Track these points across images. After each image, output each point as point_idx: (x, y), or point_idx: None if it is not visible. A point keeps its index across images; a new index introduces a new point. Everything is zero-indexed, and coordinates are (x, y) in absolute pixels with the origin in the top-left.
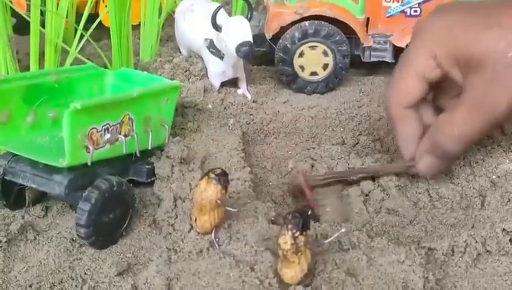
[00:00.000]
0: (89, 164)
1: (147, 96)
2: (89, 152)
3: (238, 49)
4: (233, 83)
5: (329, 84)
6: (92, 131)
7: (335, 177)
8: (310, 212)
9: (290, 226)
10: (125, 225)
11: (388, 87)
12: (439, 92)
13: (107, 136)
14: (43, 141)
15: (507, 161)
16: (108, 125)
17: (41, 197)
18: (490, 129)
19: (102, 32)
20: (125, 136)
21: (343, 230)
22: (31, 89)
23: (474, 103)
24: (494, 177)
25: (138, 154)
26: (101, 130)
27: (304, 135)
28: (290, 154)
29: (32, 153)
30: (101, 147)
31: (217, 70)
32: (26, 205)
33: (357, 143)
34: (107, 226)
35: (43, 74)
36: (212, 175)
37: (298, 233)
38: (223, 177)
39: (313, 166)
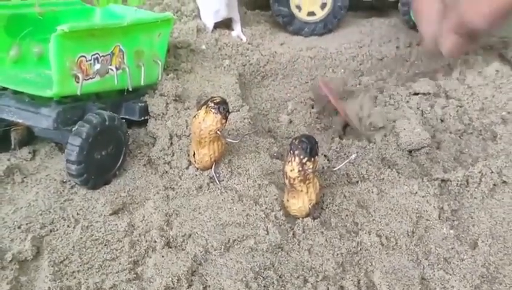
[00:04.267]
0: (79, 94)
1: (138, 27)
2: (78, 82)
3: None
4: (227, 25)
5: (328, 25)
6: (81, 59)
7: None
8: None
9: (297, 152)
10: (119, 163)
11: None
12: None
13: (97, 66)
14: (29, 76)
15: None
16: (98, 55)
17: (28, 140)
18: None
19: None
20: (117, 68)
21: (353, 156)
22: (13, 19)
23: None
24: (504, 113)
25: (130, 89)
26: (91, 59)
27: (303, 77)
28: (288, 97)
29: (18, 85)
30: (91, 78)
31: (210, 9)
32: (12, 147)
33: (359, 84)
34: (100, 164)
35: (27, 4)
36: (211, 104)
37: (306, 159)
38: (223, 106)
39: (313, 107)
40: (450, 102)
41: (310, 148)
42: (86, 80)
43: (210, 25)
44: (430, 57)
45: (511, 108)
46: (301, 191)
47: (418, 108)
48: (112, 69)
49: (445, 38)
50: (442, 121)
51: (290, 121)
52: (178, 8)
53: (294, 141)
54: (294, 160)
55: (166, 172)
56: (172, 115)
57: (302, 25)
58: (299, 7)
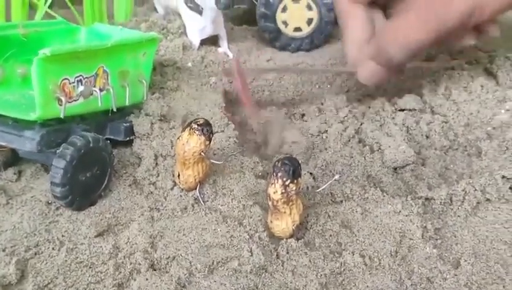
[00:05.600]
0: (62, 116)
1: (123, 48)
2: (61, 104)
3: (217, 0)
4: (213, 41)
5: (315, 41)
6: (64, 82)
7: (274, 69)
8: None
9: (280, 174)
10: (104, 184)
11: None
12: None
13: (81, 88)
14: (13, 98)
15: (502, 111)
16: (81, 77)
17: (13, 160)
18: (437, 40)
19: None
20: (101, 90)
21: (336, 177)
22: None
23: (425, 10)
24: (489, 128)
25: (115, 110)
26: (74, 82)
27: (289, 93)
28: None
29: (1, 108)
30: (75, 100)
31: (196, 26)
32: None
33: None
34: (84, 186)
35: (10, 26)
36: (195, 125)
37: (289, 181)
38: (206, 128)
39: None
40: (436, 118)
41: (293, 170)
42: (69, 102)
43: (196, 43)
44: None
45: (497, 123)
46: (284, 212)
47: (403, 124)
48: (95, 91)
49: (364, 64)
50: (427, 137)
51: None
52: (164, 25)
53: (277, 163)
54: (277, 182)
55: (152, 193)
56: (157, 135)
57: (288, 41)
58: (285, 23)
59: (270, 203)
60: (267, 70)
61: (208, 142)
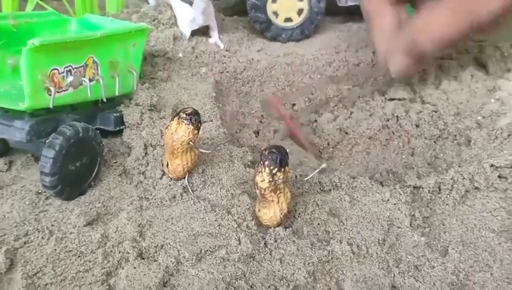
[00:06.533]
0: (51, 106)
1: (112, 38)
2: (50, 94)
3: None
4: (204, 32)
5: (305, 31)
6: (53, 72)
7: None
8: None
9: (267, 162)
10: (94, 174)
11: None
12: None
13: (70, 78)
14: (3, 89)
15: (492, 100)
16: (70, 67)
17: (4, 151)
18: (471, 32)
19: None
20: (90, 80)
21: (323, 165)
22: None
23: (459, 3)
24: (479, 118)
25: (105, 100)
26: (63, 72)
27: (280, 83)
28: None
29: None
30: (64, 90)
31: (187, 17)
32: None
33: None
34: (74, 175)
35: (1, 17)
36: (183, 115)
37: (276, 169)
38: (195, 117)
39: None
40: (425, 107)
41: (280, 159)
42: (58, 92)
43: (187, 33)
44: (380, 71)
45: (486, 112)
46: (272, 201)
47: (393, 114)
48: (85, 81)
49: (394, 58)
50: (417, 126)
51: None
52: (155, 16)
53: (264, 151)
54: (265, 170)
55: (141, 182)
56: (147, 125)
57: (279, 31)
58: (276, 13)
59: (257, 191)
60: (304, 91)
61: (196, 132)
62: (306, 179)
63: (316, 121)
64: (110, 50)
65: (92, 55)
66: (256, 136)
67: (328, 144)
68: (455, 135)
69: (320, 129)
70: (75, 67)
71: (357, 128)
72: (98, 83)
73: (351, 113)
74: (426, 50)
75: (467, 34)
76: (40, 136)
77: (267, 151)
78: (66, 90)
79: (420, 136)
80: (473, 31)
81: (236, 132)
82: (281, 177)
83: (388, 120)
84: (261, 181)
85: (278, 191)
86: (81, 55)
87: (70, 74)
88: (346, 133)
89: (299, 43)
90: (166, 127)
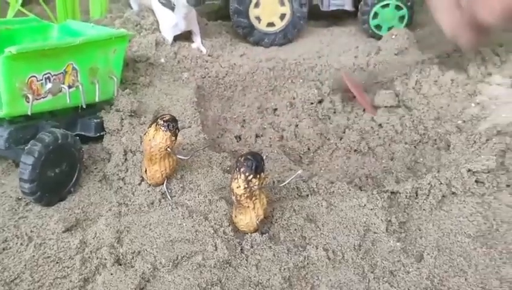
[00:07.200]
0: (29, 114)
1: (92, 45)
2: (28, 102)
3: None
4: (186, 37)
5: (288, 36)
6: (32, 79)
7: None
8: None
9: (242, 169)
10: (73, 180)
11: None
12: None
13: (49, 85)
14: None
15: (472, 104)
16: (49, 75)
17: None
18: None
19: None
20: (70, 87)
21: (299, 172)
22: None
23: None
24: (459, 122)
25: (84, 106)
26: (42, 79)
27: (262, 88)
28: (248, 108)
29: None
30: (43, 98)
31: (169, 22)
32: None
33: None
34: (54, 182)
35: None
36: (161, 121)
37: (251, 176)
38: (172, 124)
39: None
40: (406, 112)
41: (256, 165)
42: (37, 99)
43: (169, 39)
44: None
45: (466, 117)
46: (248, 207)
47: (373, 119)
48: (64, 88)
49: (462, 32)
50: (397, 132)
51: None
52: (138, 21)
53: (240, 158)
54: (240, 177)
55: (120, 188)
56: (127, 131)
57: (262, 36)
58: (258, 18)
59: (234, 198)
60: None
61: (173, 138)
62: (282, 185)
63: (297, 125)
64: (90, 56)
65: (72, 62)
66: (237, 141)
67: (309, 149)
68: (435, 140)
69: (301, 134)
70: (54, 74)
71: (339, 133)
72: (78, 89)
73: (330, 118)
74: (488, 22)
75: None
76: (19, 142)
77: (242, 158)
78: (45, 97)
79: (401, 141)
80: None
81: (218, 137)
82: (257, 183)
83: (371, 127)
84: (237, 187)
85: (253, 198)
86: (61, 62)
87: (49, 81)
88: (327, 138)
89: (282, 47)
90: (145, 134)
